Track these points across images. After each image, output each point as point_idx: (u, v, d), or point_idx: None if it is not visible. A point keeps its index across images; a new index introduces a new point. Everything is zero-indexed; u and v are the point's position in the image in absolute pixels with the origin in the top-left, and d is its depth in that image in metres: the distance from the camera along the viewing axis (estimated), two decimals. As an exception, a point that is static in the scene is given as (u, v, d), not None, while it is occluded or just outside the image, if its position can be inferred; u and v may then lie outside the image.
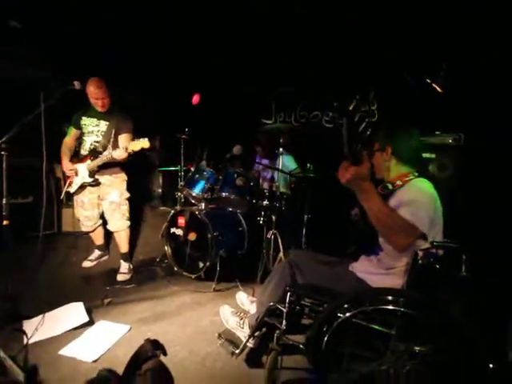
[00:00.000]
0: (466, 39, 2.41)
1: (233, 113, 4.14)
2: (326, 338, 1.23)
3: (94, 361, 1.53)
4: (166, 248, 2.70)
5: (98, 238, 2.79)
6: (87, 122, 2.45)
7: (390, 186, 1.33)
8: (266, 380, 1.33)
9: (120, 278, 2.50)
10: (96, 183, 2.46)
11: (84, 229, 2.69)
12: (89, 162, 2.41)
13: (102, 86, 2.33)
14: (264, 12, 2.81)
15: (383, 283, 1.30)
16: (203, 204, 2.69)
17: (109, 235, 2.81)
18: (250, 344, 1.56)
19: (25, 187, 3.02)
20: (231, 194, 2.51)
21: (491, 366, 0.97)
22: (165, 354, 1.24)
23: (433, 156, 2.30)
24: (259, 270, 2.56)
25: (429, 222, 1.13)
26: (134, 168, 2.74)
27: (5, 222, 1.76)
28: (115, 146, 2.40)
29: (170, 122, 3.59)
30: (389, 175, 1.40)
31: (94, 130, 2.45)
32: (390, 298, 1.15)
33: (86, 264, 2.72)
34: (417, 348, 1.13)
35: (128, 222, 2.60)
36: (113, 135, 2.44)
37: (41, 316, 1.79)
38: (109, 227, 2.58)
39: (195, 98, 3.89)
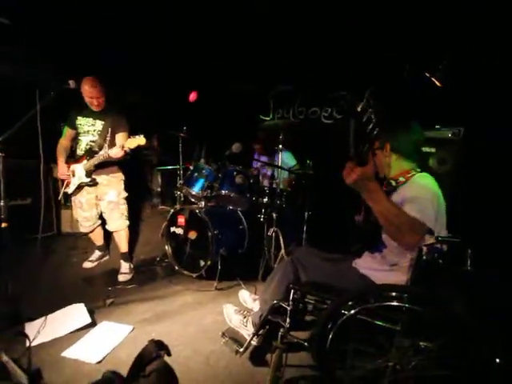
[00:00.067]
0: (465, 39, 2.40)
1: (231, 110, 4.11)
2: (330, 336, 1.23)
3: (98, 362, 1.52)
4: (166, 247, 2.69)
5: (98, 238, 2.77)
6: (83, 122, 2.42)
7: (394, 183, 1.32)
8: (270, 378, 1.33)
9: (121, 278, 2.49)
10: (93, 183, 2.44)
11: (82, 229, 2.67)
12: (85, 161, 2.39)
13: (96, 84, 2.30)
14: (263, 12, 2.79)
15: (387, 279, 1.30)
16: (203, 202, 2.67)
17: (109, 235, 2.79)
18: (254, 342, 1.56)
19: (23, 189, 2.99)
20: (231, 192, 2.50)
21: (498, 361, 0.97)
22: (169, 354, 1.23)
23: (433, 150, 2.29)
24: (260, 267, 2.56)
25: (434, 218, 1.12)
26: (133, 167, 2.72)
27: (3, 225, 1.74)
28: (111, 144, 2.38)
29: (169, 120, 3.56)
30: (390, 172, 1.40)
31: (89, 129, 2.42)
32: (394, 294, 1.14)
33: (87, 265, 2.71)
34: (422, 344, 1.13)
35: (127, 222, 2.59)
36: (109, 134, 2.41)
37: (43, 318, 1.78)
38: (108, 227, 2.57)
39: (192, 96, 3.87)
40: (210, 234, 2.38)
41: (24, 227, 2.59)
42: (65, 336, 1.71)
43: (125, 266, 2.57)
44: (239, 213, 2.76)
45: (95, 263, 2.75)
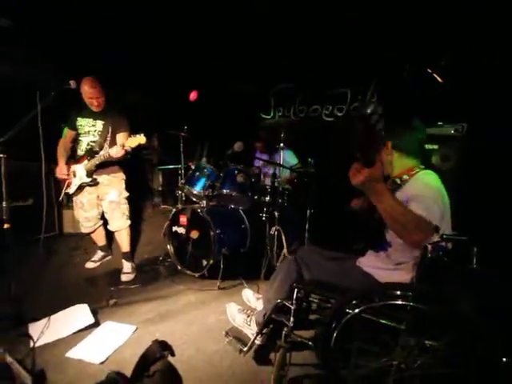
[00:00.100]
0: (465, 39, 2.39)
1: (231, 109, 4.10)
2: (335, 335, 1.22)
3: (102, 363, 1.52)
4: (168, 247, 2.69)
5: (100, 238, 2.77)
6: (83, 123, 2.42)
7: (398, 181, 1.31)
8: (274, 377, 1.32)
9: (124, 278, 2.49)
10: (94, 183, 2.44)
11: (84, 230, 2.67)
12: (86, 162, 2.38)
13: (96, 85, 2.29)
14: (263, 11, 2.78)
15: (391, 278, 1.29)
16: (204, 201, 2.67)
17: (111, 236, 2.79)
18: (258, 341, 1.56)
19: (24, 190, 2.99)
20: (233, 191, 2.49)
21: (504, 360, 0.96)
22: (173, 354, 1.23)
23: (435, 147, 2.28)
24: (263, 266, 2.56)
25: (440, 215, 1.11)
26: (134, 167, 2.72)
27: (6, 226, 1.74)
28: (112, 144, 2.38)
29: (169, 120, 3.56)
30: (393, 170, 1.39)
31: (90, 130, 2.42)
32: (399, 292, 1.14)
33: (90, 265, 2.71)
34: (428, 343, 1.12)
35: (128, 221, 2.58)
36: (109, 134, 2.41)
37: (46, 319, 1.78)
38: (109, 227, 2.57)
39: (192, 95, 3.86)
40: (212, 233, 2.37)
41: (26, 228, 2.60)
42: (68, 336, 1.71)
43: (127, 266, 2.57)
44: (241, 212, 2.75)
45: (98, 263, 2.75)
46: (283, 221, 2.62)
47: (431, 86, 2.58)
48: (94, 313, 1.92)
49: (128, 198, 2.60)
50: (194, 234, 2.52)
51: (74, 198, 2.57)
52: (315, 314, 1.55)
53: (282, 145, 2.63)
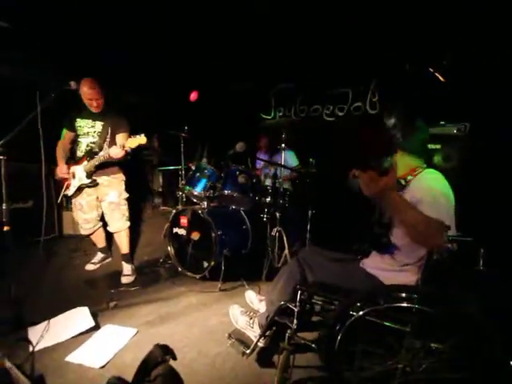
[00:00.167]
0: (466, 39, 2.38)
1: (232, 110, 4.09)
2: (339, 337, 1.20)
3: (102, 367, 1.50)
4: (169, 248, 2.67)
5: (100, 240, 2.75)
6: (82, 124, 2.40)
7: (403, 182, 1.29)
8: (278, 379, 1.31)
9: (124, 280, 2.47)
10: (94, 184, 2.42)
11: (83, 232, 2.65)
12: (85, 163, 2.37)
13: (95, 86, 2.28)
14: (263, 11, 2.77)
15: (396, 280, 1.27)
16: (205, 202, 2.65)
17: (111, 237, 2.77)
18: (261, 343, 1.54)
19: (24, 192, 2.97)
20: (234, 192, 2.48)
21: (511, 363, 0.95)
22: (174, 358, 1.21)
23: (438, 147, 2.26)
24: (264, 267, 2.54)
25: (449, 215, 1.09)
26: (134, 168, 2.70)
27: (6, 228, 1.72)
28: (112, 145, 2.36)
29: (169, 120, 3.55)
30: (396, 170, 1.37)
31: (89, 131, 2.40)
32: (404, 294, 1.12)
33: (89, 267, 2.69)
34: (433, 345, 1.11)
35: (128, 223, 2.57)
36: (109, 135, 2.39)
37: (46, 322, 1.76)
38: (109, 228, 2.55)
39: (193, 95, 3.85)
40: (213, 234, 2.35)
41: (26, 230, 2.58)
42: (68, 340, 1.69)
43: (127, 268, 2.55)
44: (242, 213, 2.73)
45: (98, 265, 2.73)
46: (284, 221, 2.61)
47: (433, 86, 2.57)
48: (94, 315, 1.90)
49: (128, 199, 2.58)
50: (195, 236, 2.50)
51: (73, 200, 2.55)
52: (318, 316, 1.54)
53: (283, 145, 2.61)
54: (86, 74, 2.27)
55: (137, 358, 1.51)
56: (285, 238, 2.55)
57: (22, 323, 1.76)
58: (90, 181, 2.39)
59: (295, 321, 1.37)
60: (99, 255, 2.77)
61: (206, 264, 2.42)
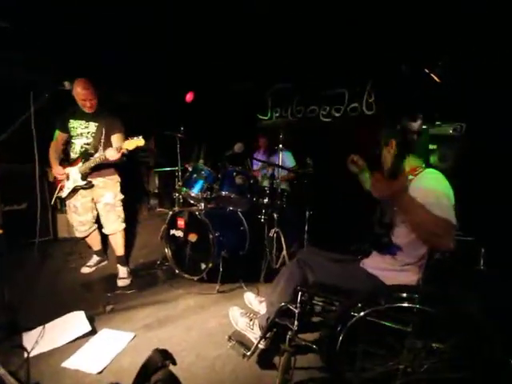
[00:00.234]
0: (465, 39, 2.40)
1: (229, 110, 4.07)
2: (340, 338, 1.20)
3: (99, 372, 1.47)
4: (166, 250, 2.64)
5: (95, 243, 2.71)
6: (75, 125, 2.37)
7: None
8: (279, 381, 1.30)
9: (120, 283, 2.43)
10: (89, 186, 2.39)
11: (78, 234, 2.61)
12: (80, 164, 2.33)
13: (89, 86, 2.25)
14: (263, 11, 2.77)
15: (397, 279, 1.27)
16: (202, 204, 2.63)
17: (106, 240, 2.73)
18: (261, 345, 1.52)
19: (17, 193, 2.92)
20: (231, 193, 2.46)
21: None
22: (174, 363, 1.18)
23: (434, 147, 2.28)
24: (262, 269, 2.53)
25: (452, 214, 1.09)
26: (129, 169, 2.67)
27: (-1, 231, 1.68)
28: (107, 146, 2.33)
29: (166, 121, 3.52)
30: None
31: (83, 132, 2.37)
32: (405, 294, 1.12)
33: (85, 270, 2.65)
34: (434, 345, 1.11)
35: (123, 224, 2.53)
36: (103, 136, 2.36)
37: (41, 327, 1.72)
38: (104, 230, 2.51)
39: (189, 96, 3.83)
40: (210, 236, 2.33)
41: (19, 232, 2.53)
42: (64, 345, 1.66)
43: (122, 271, 2.52)
44: (239, 214, 2.72)
45: (93, 268, 2.69)
46: (282, 222, 2.60)
47: (429, 86, 2.59)
48: (91, 320, 1.86)
49: (123, 201, 2.55)
50: (193, 237, 2.48)
51: (67, 202, 2.51)
52: (319, 317, 1.53)
53: (280, 146, 2.61)
54: (83, 74, 2.25)
55: (135, 363, 1.50)
56: (283, 239, 2.54)
57: (17, 328, 1.72)
58: (85, 182, 2.36)
59: (296, 322, 1.36)
60: (95, 258, 2.73)
61: (203, 266, 2.40)
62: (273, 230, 2.57)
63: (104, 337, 1.73)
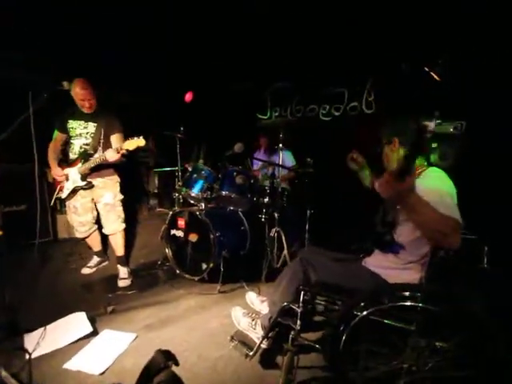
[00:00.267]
0: (465, 39, 2.40)
1: (228, 110, 4.07)
2: (344, 337, 1.19)
3: (101, 374, 1.47)
4: (166, 250, 2.63)
5: (95, 244, 2.70)
6: (74, 125, 2.35)
7: None
8: (283, 381, 1.29)
9: (121, 283, 2.43)
10: (89, 186, 2.38)
11: (78, 235, 2.60)
12: (80, 165, 2.32)
13: (87, 86, 2.24)
14: (263, 11, 2.76)
15: (400, 278, 1.27)
16: (203, 204, 2.62)
17: (106, 241, 2.72)
18: (264, 345, 1.52)
19: (16, 194, 2.90)
20: (232, 193, 2.46)
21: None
22: (177, 364, 1.18)
23: (434, 145, 2.28)
24: (263, 268, 2.52)
25: (456, 213, 1.09)
26: (129, 169, 2.66)
27: (-1, 233, 1.67)
28: (106, 147, 2.32)
29: (165, 121, 3.51)
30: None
31: (82, 132, 2.35)
32: (408, 293, 1.12)
33: (86, 271, 2.64)
34: (438, 344, 1.10)
35: (123, 225, 2.53)
36: (102, 136, 2.35)
37: (42, 328, 1.71)
38: (104, 230, 2.50)
39: (188, 96, 3.82)
40: (211, 236, 2.33)
41: (19, 233, 2.52)
42: (66, 347, 1.65)
43: (123, 271, 2.51)
44: (240, 214, 2.71)
45: (94, 269, 2.68)
46: (282, 222, 2.60)
47: (429, 85, 2.59)
48: (92, 321, 1.86)
49: (123, 201, 2.54)
50: (193, 237, 2.47)
51: (67, 203, 2.50)
52: (322, 316, 1.53)
53: (280, 145, 2.60)
54: (82, 74, 2.23)
55: (137, 364, 1.49)
56: (284, 239, 2.54)
57: (18, 330, 1.71)
58: (84, 183, 2.35)
59: (298, 322, 1.36)
60: (95, 259, 2.72)
61: (204, 266, 2.39)
62: (274, 230, 2.57)
63: (106, 338, 1.72)
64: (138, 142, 2.12)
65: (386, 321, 1.17)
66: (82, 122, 2.35)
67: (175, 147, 3.05)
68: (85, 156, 2.33)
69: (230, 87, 4.06)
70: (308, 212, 2.67)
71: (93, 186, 2.40)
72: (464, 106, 2.30)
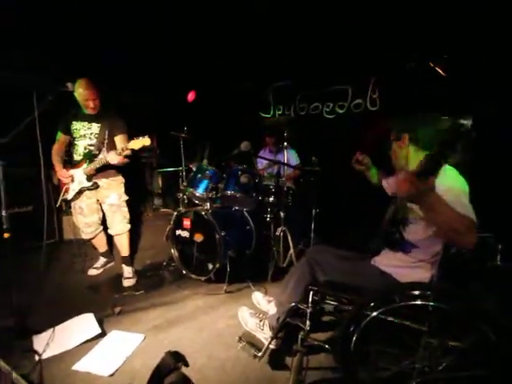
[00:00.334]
0: (466, 39, 2.37)
1: (232, 109, 4.05)
2: (354, 338, 1.18)
3: (111, 375, 1.47)
4: (172, 251, 2.63)
5: (101, 244, 2.71)
6: (78, 126, 2.36)
7: None
8: (293, 382, 1.28)
9: (126, 283, 2.44)
10: (95, 187, 2.38)
11: (84, 236, 2.61)
12: (85, 165, 2.33)
13: (91, 87, 2.24)
14: (263, 11, 2.75)
15: (411, 276, 1.25)
16: (208, 204, 2.61)
17: (112, 241, 2.73)
18: (272, 346, 1.51)
19: (22, 196, 2.92)
20: (237, 192, 2.45)
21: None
22: (187, 365, 1.18)
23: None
24: (269, 268, 2.51)
25: (470, 211, 1.07)
26: (133, 170, 2.66)
27: (6, 235, 1.67)
28: (110, 147, 2.32)
29: (168, 121, 3.50)
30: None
31: (86, 133, 2.36)
32: (420, 292, 1.10)
33: (92, 272, 2.64)
34: (451, 343, 1.09)
35: (128, 226, 2.53)
36: (106, 137, 2.35)
37: (51, 330, 1.72)
38: (110, 231, 2.51)
39: (190, 96, 3.81)
40: (217, 236, 2.32)
41: (25, 235, 2.53)
42: (74, 348, 1.65)
43: (128, 271, 2.52)
44: (245, 213, 2.70)
45: (100, 270, 2.69)
46: (288, 221, 2.59)
47: (434, 80, 2.56)
48: (100, 322, 1.86)
49: (127, 202, 2.54)
50: (199, 237, 2.46)
51: (73, 204, 2.50)
52: (331, 316, 1.52)
53: (285, 144, 2.58)
54: (84, 75, 2.23)
55: (146, 365, 1.50)
56: (289, 238, 2.53)
57: (27, 332, 1.72)
58: (90, 183, 2.35)
59: (308, 322, 1.35)
60: (101, 260, 2.73)
61: (210, 266, 2.39)
62: (279, 229, 2.55)
63: (114, 339, 1.72)
64: (144, 141, 2.12)
65: (397, 320, 1.15)
66: (86, 122, 2.35)
67: (178, 147, 3.04)
68: (89, 157, 2.33)
69: (233, 86, 4.04)
70: (313, 211, 2.65)
71: (98, 187, 2.40)
72: (470, 101, 2.27)
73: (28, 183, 2.84)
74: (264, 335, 1.61)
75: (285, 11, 2.85)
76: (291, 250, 2.52)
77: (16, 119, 1.72)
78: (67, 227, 3.34)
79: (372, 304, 1.16)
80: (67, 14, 2.72)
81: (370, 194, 1.92)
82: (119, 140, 2.36)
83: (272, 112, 4.14)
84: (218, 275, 2.38)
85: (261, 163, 3.30)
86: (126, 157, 2.26)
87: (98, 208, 2.52)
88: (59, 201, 2.52)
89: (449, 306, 1.06)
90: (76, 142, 2.38)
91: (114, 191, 2.44)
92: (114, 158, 2.18)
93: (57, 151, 2.45)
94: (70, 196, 2.42)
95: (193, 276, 2.51)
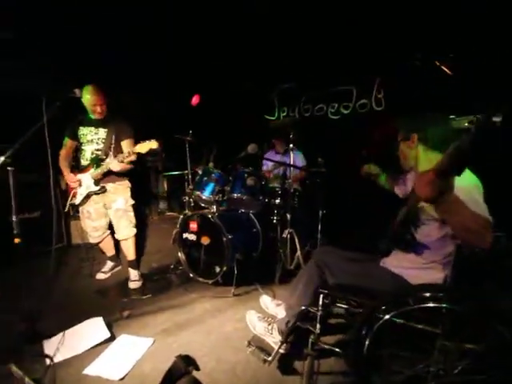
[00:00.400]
0: (472, 38, 2.35)
1: (236, 112, 4.06)
2: (367, 342, 1.16)
3: (121, 379, 1.47)
4: (179, 254, 2.63)
5: (109, 248, 2.72)
6: (85, 132, 2.38)
7: None
8: (304, 387, 1.27)
9: (132, 285, 2.45)
10: (102, 191, 2.40)
11: (92, 240, 2.62)
12: (92, 170, 2.35)
13: (98, 92, 2.26)
14: (263, 11, 2.75)
15: (422, 278, 1.23)
16: (214, 207, 2.61)
17: (119, 245, 2.74)
18: (282, 350, 1.50)
19: (30, 201, 2.94)
20: (243, 195, 2.45)
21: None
22: (197, 369, 1.18)
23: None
24: (277, 270, 2.50)
25: (484, 210, 1.05)
26: (138, 174, 2.67)
27: (16, 240, 1.69)
28: (117, 152, 2.34)
29: (173, 124, 3.52)
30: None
31: (93, 138, 2.38)
32: (433, 294, 1.08)
33: (100, 276, 2.66)
34: (467, 346, 1.07)
35: (135, 230, 2.54)
36: (113, 141, 2.37)
37: (61, 334, 1.73)
38: (116, 236, 2.52)
39: (195, 99, 3.82)
40: (224, 239, 2.31)
41: (33, 240, 2.55)
42: (84, 352, 1.66)
43: (134, 274, 2.53)
44: (252, 215, 2.70)
45: (108, 274, 2.70)
46: (294, 223, 2.57)
47: (440, 79, 2.54)
48: (108, 326, 1.86)
49: (133, 206, 2.55)
50: (205, 240, 2.46)
51: (81, 208, 2.52)
52: (342, 319, 1.50)
53: (291, 146, 2.58)
54: (87, 78, 2.25)
55: (156, 369, 1.50)
56: (296, 240, 2.51)
57: (37, 336, 1.73)
58: (98, 188, 2.37)
59: (318, 325, 1.33)
60: (109, 264, 2.74)
61: (218, 269, 2.38)
62: (286, 231, 2.54)
63: (123, 343, 1.72)
64: (151, 144, 2.13)
65: (410, 323, 1.13)
66: (93, 128, 2.38)
67: (184, 151, 3.05)
68: (96, 161, 2.35)
69: (237, 89, 4.05)
70: (320, 212, 2.64)
71: (106, 190, 2.42)
72: (477, 99, 2.24)
73: (36, 188, 2.86)
74: (273, 339, 1.60)
75: (289, 12, 2.85)
76: (298, 252, 2.51)
77: (21, 125, 1.74)
78: (75, 232, 3.36)
79: (384, 307, 1.14)
80: (67, 14, 2.72)
81: (376, 194, 1.91)
82: (126, 145, 2.38)
83: (277, 114, 4.14)
84: (226, 278, 2.37)
85: (266, 165, 3.30)
86: (130, 162, 2.28)
87: (105, 212, 2.53)
88: (67, 205, 2.54)
89: (463, 307, 1.04)
90: (83, 147, 2.41)
91: (120, 196, 2.46)
92: (116, 167, 2.22)
93: (64, 156, 2.47)
94: (77, 201, 2.44)
95: (200, 279, 2.50)
